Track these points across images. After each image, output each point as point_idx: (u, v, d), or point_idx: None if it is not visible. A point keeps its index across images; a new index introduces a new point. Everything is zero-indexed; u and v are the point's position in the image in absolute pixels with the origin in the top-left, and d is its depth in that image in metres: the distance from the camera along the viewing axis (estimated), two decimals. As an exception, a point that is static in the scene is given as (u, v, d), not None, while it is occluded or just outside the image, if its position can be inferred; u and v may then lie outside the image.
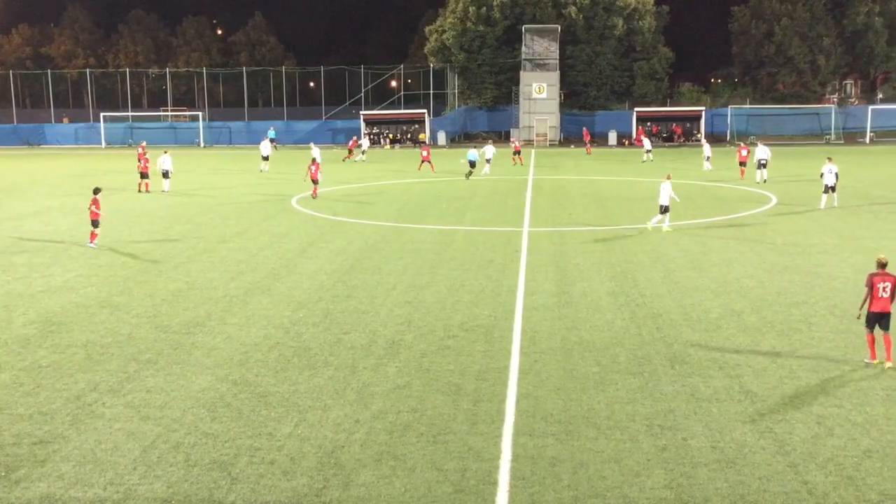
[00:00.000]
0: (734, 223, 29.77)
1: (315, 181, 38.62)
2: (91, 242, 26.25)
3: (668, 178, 29.08)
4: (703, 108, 79.54)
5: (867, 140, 74.09)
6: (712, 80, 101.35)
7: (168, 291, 20.46)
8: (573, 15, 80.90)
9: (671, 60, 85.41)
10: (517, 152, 55.96)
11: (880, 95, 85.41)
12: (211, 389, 13.71)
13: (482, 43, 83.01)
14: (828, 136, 74.98)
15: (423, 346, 15.89)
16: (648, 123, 77.78)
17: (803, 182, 43.31)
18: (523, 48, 79.41)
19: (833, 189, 33.28)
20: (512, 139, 66.10)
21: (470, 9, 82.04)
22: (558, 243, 26.32)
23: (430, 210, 34.48)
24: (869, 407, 12.69)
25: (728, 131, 74.61)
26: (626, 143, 76.83)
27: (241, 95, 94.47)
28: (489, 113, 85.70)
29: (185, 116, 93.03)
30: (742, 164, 45.34)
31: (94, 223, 26.45)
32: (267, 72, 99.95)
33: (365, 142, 66.94)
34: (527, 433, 11.87)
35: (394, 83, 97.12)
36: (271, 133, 74.41)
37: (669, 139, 77.35)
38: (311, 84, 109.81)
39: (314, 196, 38.40)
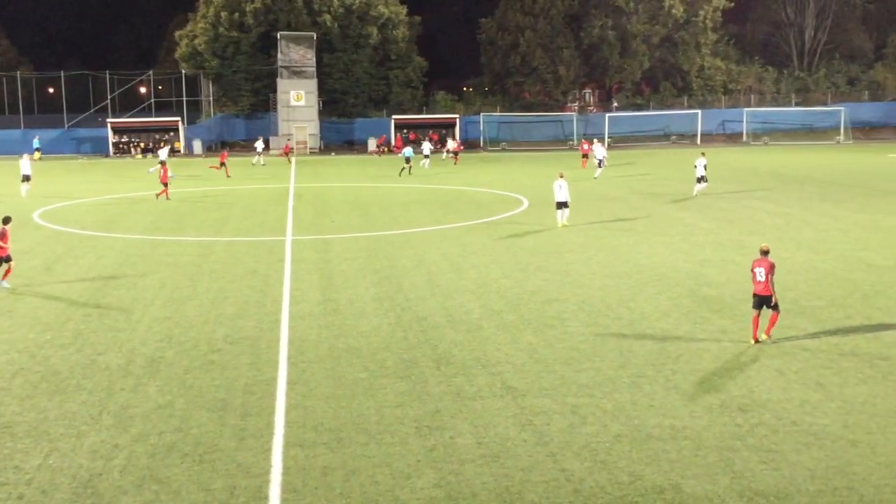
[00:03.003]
0: (491, 225, 31.01)
1: (165, 184, 39.08)
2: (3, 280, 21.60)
3: (561, 175, 30.64)
4: (458, 115, 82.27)
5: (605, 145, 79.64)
6: (465, 89, 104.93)
7: None
8: (328, 23, 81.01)
9: (425, 69, 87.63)
10: (455, 153, 62.71)
11: (615, 104, 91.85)
12: (-55, 425, 12.47)
13: (236, 49, 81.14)
14: (571, 142, 79.77)
15: (186, 363, 15.32)
16: (405, 130, 79.40)
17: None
18: (279, 55, 78.50)
19: (701, 180, 38.41)
20: (452, 141, 67.39)
21: (222, 14, 79.91)
22: (322, 251, 26.26)
23: (187, 221, 33.29)
24: (617, 394, 13.64)
25: (481, 138, 77.47)
26: (386, 149, 77.97)
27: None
28: (247, 121, 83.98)
29: None
30: (585, 156, 54.62)
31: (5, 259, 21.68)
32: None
33: (259, 144, 64.60)
34: (297, 444, 11.74)
35: (143, 89, 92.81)
36: (36, 143, 69.05)
37: (427, 146, 79.51)
38: (51, 90, 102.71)
39: (165, 197, 39.26)
